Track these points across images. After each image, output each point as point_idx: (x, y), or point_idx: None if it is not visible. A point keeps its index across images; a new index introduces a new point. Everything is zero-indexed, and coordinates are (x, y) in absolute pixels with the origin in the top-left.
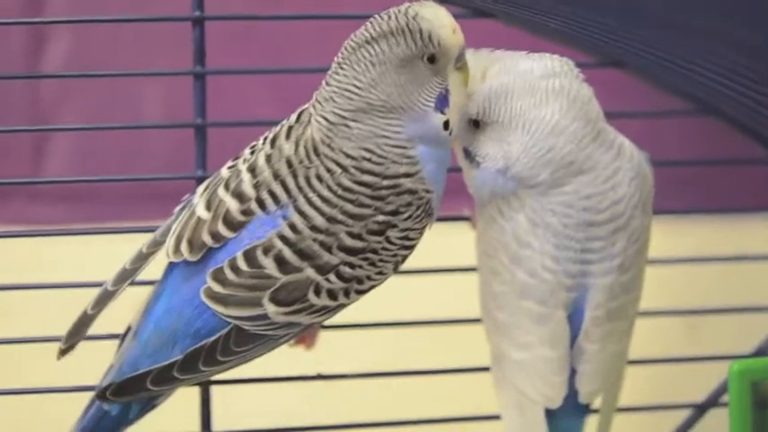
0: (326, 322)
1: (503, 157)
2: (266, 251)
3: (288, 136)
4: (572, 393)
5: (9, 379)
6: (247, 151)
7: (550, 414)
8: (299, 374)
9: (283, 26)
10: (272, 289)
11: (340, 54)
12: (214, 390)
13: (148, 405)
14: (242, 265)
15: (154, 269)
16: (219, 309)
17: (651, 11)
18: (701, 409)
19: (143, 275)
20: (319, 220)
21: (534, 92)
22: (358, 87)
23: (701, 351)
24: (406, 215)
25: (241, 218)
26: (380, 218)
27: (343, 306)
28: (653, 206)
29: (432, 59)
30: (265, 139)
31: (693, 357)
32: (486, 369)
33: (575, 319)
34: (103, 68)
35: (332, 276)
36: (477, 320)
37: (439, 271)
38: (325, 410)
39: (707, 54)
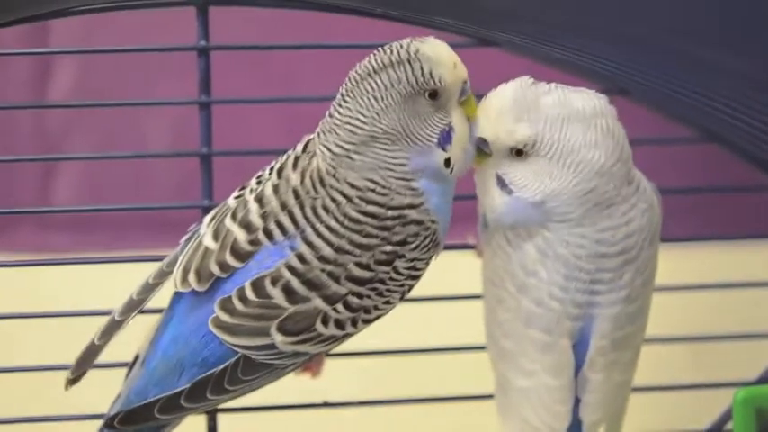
0: (332, 350)
1: (541, 191)
2: (274, 281)
3: (295, 166)
4: (576, 423)
5: (17, 407)
6: (254, 181)
7: None
8: (306, 402)
9: (289, 55)
10: (280, 319)
11: (344, 86)
12: (221, 418)
13: None
14: (250, 294)
15: (161, 296)
16: (227, 338)
17: (654, 41)
18: None
19: (151, 303)
20: (327, 251)
21: (586, 132)
22: (361, 121)
23: (705, 378)
24: (413, 245)
25: (249, 248)
26: (388, 248)
27: (350, 335)
28: None
29: (433, 96)
30: (272, 169)
31: (697, 384)
32: (490, 397)
33: (580, 348)
34: (109, 98)
35: (339, 306)
36: (481, 348)
37: (444, 299)
38: None
39: (710, 82)
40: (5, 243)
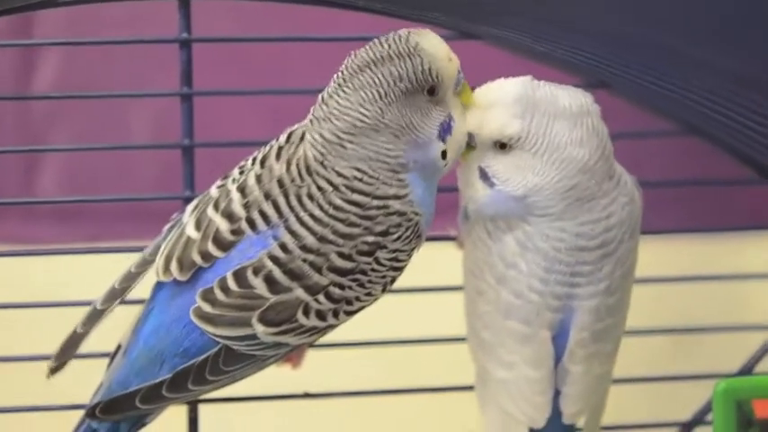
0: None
1: (524, 186)
2: (256, 271)
3: (278, 156)
4: (557, 413)
5: None
6: (236, 171)
7: None
8: (287, 393)
9: (270, 47)
10: (262, 309)
11: (340, 75)
12: (202, 408)
13: (138, 424)
14: (232, 285)
15: (142, 287)
16: (208, 328)
17: (635, 34)
18: (686, 428)
19: (132, 294)
20: (310, 240)
21: (573, 129)
22: (363, 114)
23: (686, 369)
24: (395, 236)
25: (231, 237)
26: (370, 238)
27: (332, 327)
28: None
29: (432, 91)
30: (254, 159)
31: (679, 376)
32: (471, 388)
33: (560, 340)
34: (92, 89)
35: (321, 297)
36: (462, 339)
37: (425, 290)
38: (312, 429)
39: (690, 76)
40: None
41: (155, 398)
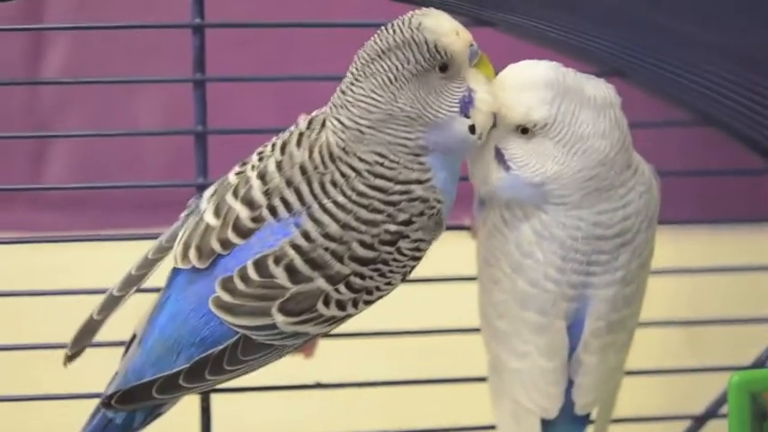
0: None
1: (542, 173)
2: (277, 260)
3: (299, 143)
4: (569, 404)
5: (14, 385)
6: (255, 157)
7: (547, 424)
8: (299, 383)
9: (284, 33)
10: (282, 299)
11: (354, 65)
12: (214, 398)
13: (153, 413)
14: (252, 274)
15: (158, 276)
16: (228, 318)
17: (650, 21)
18: (700, 421)
19: (147, 282)
20: (333, 228)
21: (597, 120)
22: (376, 100)
23: (700, 362)
24: (417, 225)
25: (251, 225)
26: (393, 228)
27: (350, 316)
28: None
29: (443, 68)
30: (274, 145)
31: (693, 368)
32: (484, 379)
33: (574, 330)
34: (103, 75)
35: (342, 287)
36: (476, 330)
37: (438, 280)
38: (325, 419)
39: (707, 65)
40: None
41: (172, 387)
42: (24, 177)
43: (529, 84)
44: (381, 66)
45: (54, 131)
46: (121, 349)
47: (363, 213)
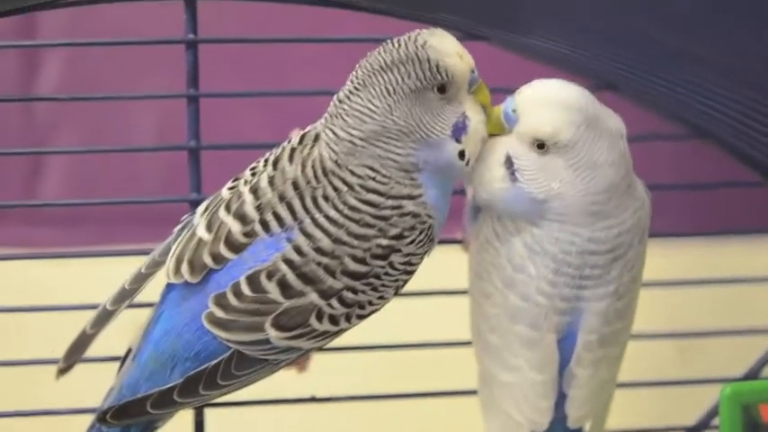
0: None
1: (546, 190)
2: (270, 276)
3: (291, 158)
4: (562, 417)
5: (7, 401)
6: (248, 173)
7: None
8: (293, 397)
9: (277, 49)
10: (275, 314)
11: (355, 75)
12: (208, 412)
13: (148, 428)
14: (245, 290)
15: (151, 290)
16: (221, 334)
17: (643, 36)
18: None
19: (141, 297)
20: (325, 242)
21: (611, 150)
22: (372, 111)
23: (692, 374)
24: (409, 239)
25: (243, 240)
26: (384, 242)
27: (343, 331)
28: None
29: (442, 89)
30: (266, 161)
31: (684, 381)
32: (476, 392)
33: (567, 343)
34: (97, 91)
35: (334, 302)
36: (468, 343)
37: (431, 293)
38: None
39: (697, 79)
40: None
41: (166, 403)
42: (19, 194)
43: (562, 104)
44: (382, 78)
45: (48, 148)
46: (116, 364)
47: (355, 228)
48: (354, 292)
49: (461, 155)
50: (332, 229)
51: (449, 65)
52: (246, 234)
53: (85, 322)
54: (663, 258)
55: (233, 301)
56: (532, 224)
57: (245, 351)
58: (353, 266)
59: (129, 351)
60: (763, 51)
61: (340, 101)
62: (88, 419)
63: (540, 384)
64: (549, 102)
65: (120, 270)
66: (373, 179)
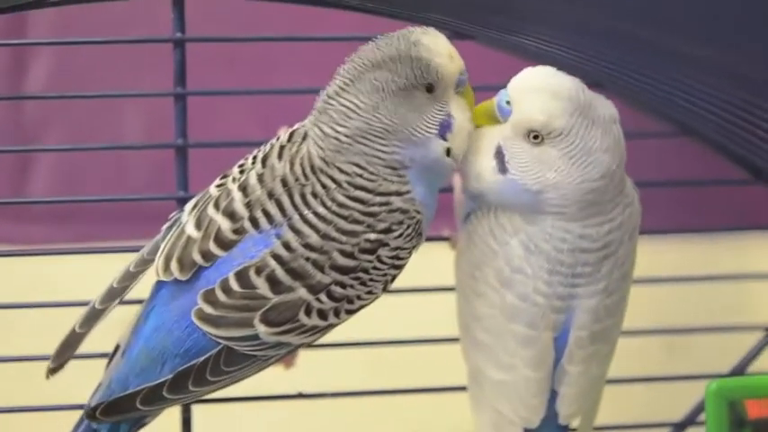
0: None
1: (541, 181)
2: (259, 271)
3: (280, 155)
4: (552, 414)
5: None
6: (236, 170)
7: None
8: (280, 393)
9: (264, 47)
10: (264, 309)
11: (344, 71)
12: (195, 409)
13: (137, 424)
14: (234, 285)
15: (141, 287)
16: (210, 330)
17: (630, 33)
18: (679, 428)
19: (129, 294)
20: (314, 238)
21: (604, 136)
22: (358, 107)
23: (678, 370)
24: (397, 233)
25: (233, 237)
26: (372, 236)
27: (332, 326)
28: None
29: (429, 89)
30: (255, 158)
31: (671, 376)
32: (465, 389)
33: (559, 341)
34: (86, 90)
35: (323, 296)
36: (456, 339)
37: (418, 290)
38: (306, 429)
39: (685, 76)
40: None
41: (156, 399)
42: (7, 191)
43: (554, 92)
44: (371, 74)
45: (37, 145)
46: (104, 361)
47: (343, 224)
48: (343, 286)
49: (448, 152)
50: (320, 225)
51: (439, 65)
52: (236, 231)
53: (74, 319)
54: (650, 255)
55: (222, 297)
56: (526, 221)
57: (234, 347)
58: (342, 261)
59: (117, 347)
60: (749, 49)
61: (328, 96)
62: (75, 415)
63: (534, 382)
64: (540, 89)
65: (108, 267)
66: (361, 176)
